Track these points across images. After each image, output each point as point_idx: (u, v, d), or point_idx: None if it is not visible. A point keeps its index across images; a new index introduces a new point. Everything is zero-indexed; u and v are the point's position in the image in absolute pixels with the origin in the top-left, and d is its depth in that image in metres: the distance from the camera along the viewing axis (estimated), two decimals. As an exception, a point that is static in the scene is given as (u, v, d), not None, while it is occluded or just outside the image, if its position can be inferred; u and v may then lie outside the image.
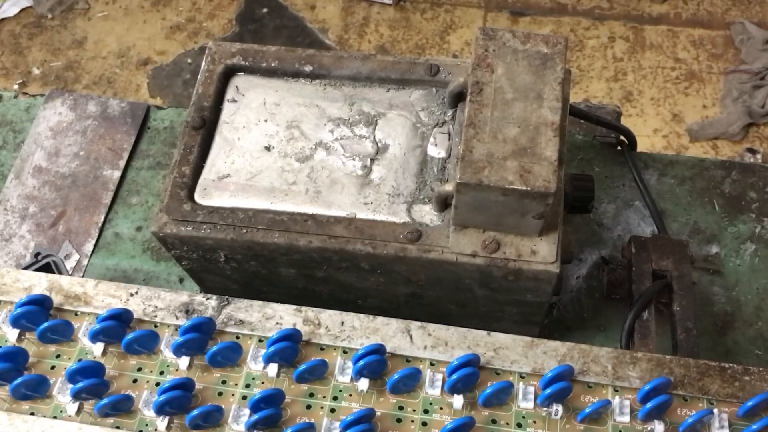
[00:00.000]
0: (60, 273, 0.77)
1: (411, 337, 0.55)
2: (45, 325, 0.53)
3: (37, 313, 0.54)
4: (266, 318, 0.56)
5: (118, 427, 0.51)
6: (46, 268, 0.77)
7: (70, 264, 0.79)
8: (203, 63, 0.65)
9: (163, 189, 0.60)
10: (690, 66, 1.88)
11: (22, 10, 2.04)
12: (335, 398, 0.52)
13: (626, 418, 0.51)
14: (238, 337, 0.55)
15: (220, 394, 0.53)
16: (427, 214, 0.58)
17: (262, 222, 0.58)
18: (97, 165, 0.85)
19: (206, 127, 0.62)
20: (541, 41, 0.56)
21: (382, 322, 0.55)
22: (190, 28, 2.00)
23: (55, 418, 0.52)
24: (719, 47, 1.90)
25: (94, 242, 0.80)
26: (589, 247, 0.77)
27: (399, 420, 0.52)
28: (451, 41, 1.95)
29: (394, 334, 0.55)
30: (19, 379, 0.51)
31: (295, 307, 0.56)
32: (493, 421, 0.52)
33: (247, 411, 0.51)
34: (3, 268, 0.60)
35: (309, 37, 1.97)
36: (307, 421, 0.51)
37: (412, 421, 0.52)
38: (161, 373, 0.54)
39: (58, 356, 0.55)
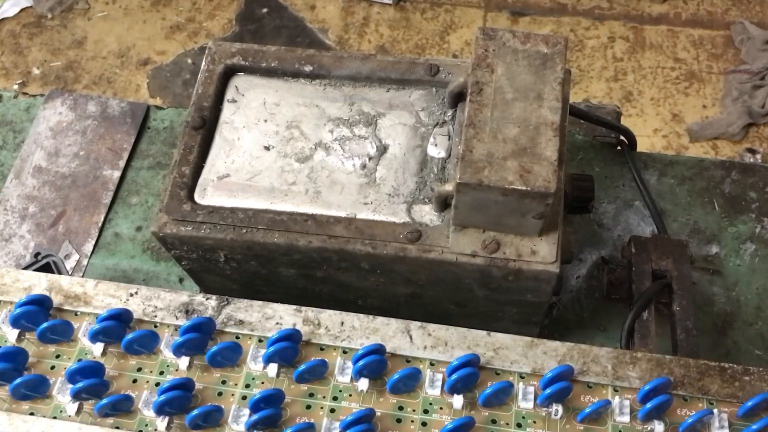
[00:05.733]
0: (60, 273, 0.77)
1: (411, 337, 0.55)
2: (45, 325, 0.53)
3: (37, 313, 0.54)
4: (266, 318, 0.56)
5: (118, 427, 0.51)
6: (46, 268, 0.77)
7: (70, 264, 0.79)
8: (203, 63, 0.65)
9: (163, 189, 0.60)
10: (690, 66, 1.88)
11: (22, 10, 2.04)
12: (335, 398, 0.52)
13: (626, 418, 0.51)
14: (238, 337, 0.55)
15: (220, 394, 0.53)
16: (427, 214, 0.58)
17: (262, 222, 0.58)
18: (97, 165, 0.85)
19: (206, 127, 0.62)
20: (541, 41, 0.56)
21: (382, 322, 0.55)
22: (190, 28, 2.00)
23: (54, 418, 0.52)
24: (719, 47, 1.90)
25: (94, 242, 0.80)
26: (589, 247, 0.77)
27: (399, 420, 0.52)
28: (451, 41, 1.95)
29: (394, 334, 0.55)
30: (19, 379, 0.51)
31: (295, 307, 0.56)
32: (493, 421, 0.52)
33: (247, 411, 0.51)
34: (3, 268, 0.60)
35: (309, 37, 1.97)
36: (307, 421, 0.51)
37: (412, 421, 0.52)
38: (161, 373, 0.54)
39: (58, 356, 0.55)
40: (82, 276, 0.78)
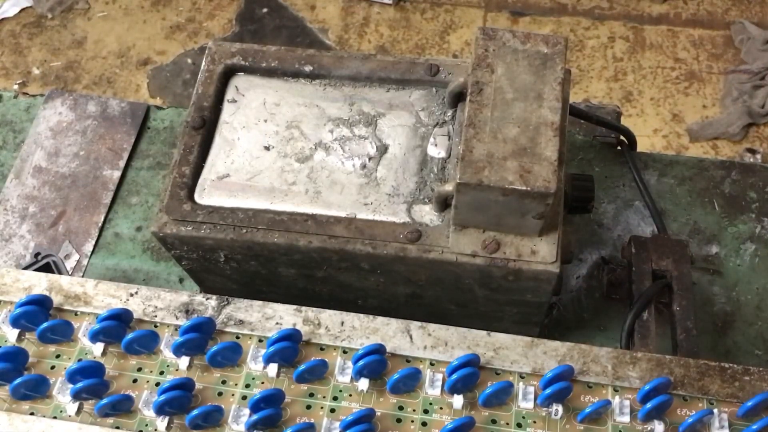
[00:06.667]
0: (60, 273, 0.77)
1: (411, 337, 0.55)
2: (45, 325, 0.53)
3: (37, 313, 0.54)
4: (266, 318, 0.56)
5: (118, 427, 0.51)
6: (46, 268, 0.77)
7: (70, 264, 0.79)
8: (203, 63, 0.65)
9: (163, 189, 0.60)
10: (690, 66, 1.88)
11: (22, 10, 2.04)
12: (335, 398, 0.52)
13: (626, 418, 0.51)
14: (238, 337, 0.55)
15: (220, 394, 0.53)
16: (427, 214, 0.58)
17: (262, 222, 0.58)
18: (97, 165, 0.85)
19: (206, 127, 0.62)
20: (541, 41, 0.56)
21: (382, 322, 0.55)
22: (190, 28, 2.00)
23: (55, 418, 0.52)
24: (719, 47, 1.90)
25: (94, 242, 0.80)
26: (589, 247, 0.77)
27: (399, 420, 0.52)
28: (451, 41, 1.95)
29: (394, 334, 0.55)
30: (19, 379, 0.51)
31: (295, 307, 0.56)
32: (493, 421, 0.52)
33: (247, 411, 0.51)
34: (3, 268, 0.60)
35: (309, 37, 1.97)
36: (307, 421, 0.51)
37: (412, 421, 0.52)
38: (161, 373, 0.54)
39: (58, 356, 0.55)
40: (82, 276, 0.78)
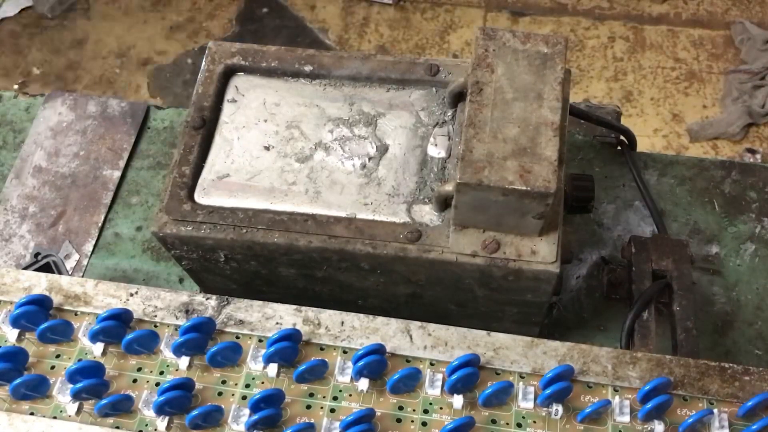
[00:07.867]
0: (60, 273, 0.77)
1: (411, 337, 0.55)
2: (45, 325, 0.53)
3: (36, 313, 0.54)
4: (266, 318, 0.56)
5: (118, 427, 0.51)
6: (46, 268, 0.77)
7: (69, 264, 0.79)
8: (203, 63, 0.65)
9: (163, 189, 0.60)
10: (690, 66, 1.88)
11: (22, 10, 2.04)
12: (335, 398, 0.52)
13: (626, 418, 0.51)
14: (238, 337, 0.55)
15: (220, 394, 0.53)
16: (427, 214, 0.58)
17: (262, 222, 0.58)
18: (97, 165, 0.85)
19: (206, 127, 0.62)
20: (541, 41, 0.56)
21: (382, 322, 0.55)
22: (190, 28, 2.00)
23: (54, 418, 0.52)
24: (719, 47, 1.90)
25: (94, 242, 0.80)
26: (589, 247, 0.77)
27: (399, 420, 0.52)
28: (451, 41, 1.95)
29: (394, 334, 0.55)
30: (19, 379, 0.51)
31: (295, 307, 0.56)
32: (493, 421, 0.52)
33: (247, 411, 0.51)
34: (3, 268, 0.60)
35: (309, 37, 1.97)
36: (307, 421, 0.51)
37: (412, 421, 0.52)
38: (161, 373, 0.54)
39: (58, 356, 0.55)
40: (82, 276, 0.78)
